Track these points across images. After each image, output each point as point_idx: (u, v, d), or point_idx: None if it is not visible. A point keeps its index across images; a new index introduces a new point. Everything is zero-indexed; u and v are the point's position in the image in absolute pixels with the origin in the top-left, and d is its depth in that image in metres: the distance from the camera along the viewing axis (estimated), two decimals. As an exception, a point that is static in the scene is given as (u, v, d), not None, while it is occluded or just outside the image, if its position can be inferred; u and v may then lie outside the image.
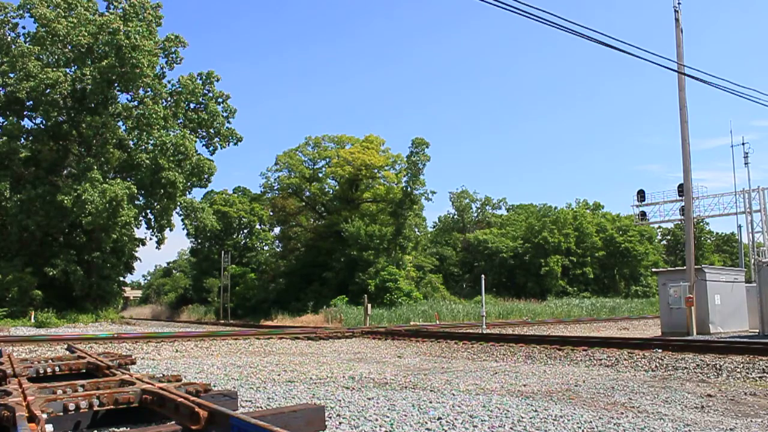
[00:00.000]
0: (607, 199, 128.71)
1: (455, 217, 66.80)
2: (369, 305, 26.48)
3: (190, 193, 40.88)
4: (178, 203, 39.39)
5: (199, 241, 63.16)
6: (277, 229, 57.65)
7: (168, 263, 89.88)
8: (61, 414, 3.86)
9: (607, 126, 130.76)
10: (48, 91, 33.72)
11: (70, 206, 32.02)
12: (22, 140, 36.45)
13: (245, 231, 63.01)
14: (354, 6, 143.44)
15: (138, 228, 38.71)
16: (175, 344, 13.11)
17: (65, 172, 37.91)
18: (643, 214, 33.38)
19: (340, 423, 4.42)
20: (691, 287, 16.85)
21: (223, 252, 53.27)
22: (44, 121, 36.77)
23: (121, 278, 41.88)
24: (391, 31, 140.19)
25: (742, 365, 7.85)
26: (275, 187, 50.19)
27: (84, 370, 6.34)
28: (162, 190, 36.92)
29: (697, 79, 16.10)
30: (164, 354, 11.76)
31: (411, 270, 43.93)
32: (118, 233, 35.14)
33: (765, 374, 7.27)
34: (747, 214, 30.56)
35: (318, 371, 8.31)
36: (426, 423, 4.43)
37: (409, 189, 44.06)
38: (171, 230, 40.36)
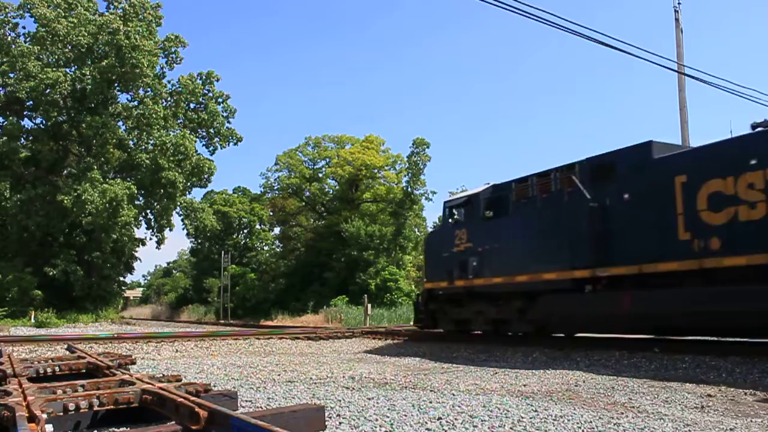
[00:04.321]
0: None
1: (455, 217, 66.75)
2: (369, 305, 26.46)
3: (190, 193, 40.99)
4: (178, 203, 39.42)
5: (199, 241, 63.13)
6: (277, 229, 57.69)
7: (168, 263, 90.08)
8: (61, 414, 3.86)
9: (607, 126, 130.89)
10: (48, 91, 33.75)
11: (70, 206, 32.04)
12: (22, 140, 36.50)
13: (245, 231, 63.00)
14: (354, 6, 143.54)
15: (138, 228, 38.81)
16: (175, 344, 13.09)
17: (65, 172, 37.94)
18: (643, 214, 33.33)
19: (340, 423, 4.42)
20: (691, 287, 16.79)
21: (223, 252, 53.26)
22: (44, 121, 36.81)
23: (121, 278, 41.94)
24: (392, 31, 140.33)
25: (742, 365, 7.85)
26: (275, 187, 50.23)
27: (84, 370, 6.33)
28: (162, 190, 36.96)
29: (697, 79, 16.12)
30: (164, 354, 11.75)
31: (411, 270, 43.94)
32: (118, 233, 35.16)
33: (765, 374, 7.27)
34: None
35: (318, 371, 8.30)
36: (426, 423, 4.43)
37: (409, 189, 44.07)
38: (171, 230, 40.47)
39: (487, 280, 12.19)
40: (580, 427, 4.33)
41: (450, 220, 13.85)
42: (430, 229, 63.30)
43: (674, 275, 8.92)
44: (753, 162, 8.05)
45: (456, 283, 13.01)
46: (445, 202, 14.79)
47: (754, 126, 8.91)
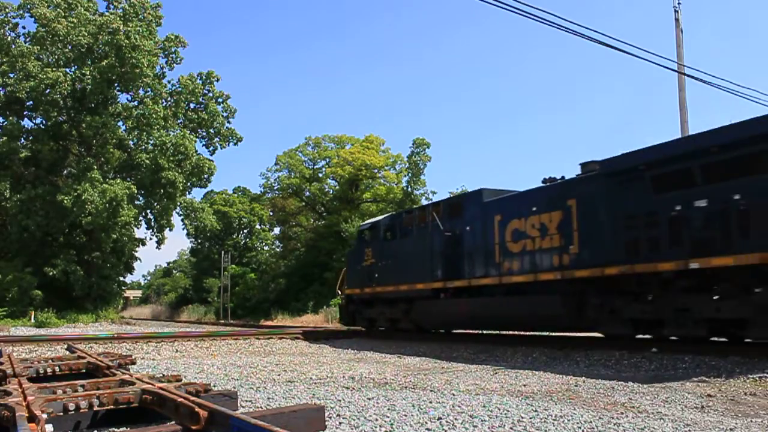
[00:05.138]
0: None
1: (455, 217, 66.68)
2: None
3: (190, 193, 40.91)
4: (178, 203, 39.38)
5: (199, 241, 63.12)
6: (277, 229, 57.68)
7: (168, 263, 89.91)
8: (61, 414, 3.86)
9: (607, 126, 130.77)
10: (48, 91, 33.70)
11: (70, 206, 31.99)
12: (22, 140, 36.44)
13: (245, 231, 62.99)
14: (354, 6, 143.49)
15: (138, 228, 38.74)
16: (175, 344, 13.10)
17: (65, 172, 37.92)
18: (643, 214, 33.32)
19: (340, 423, 4.42)
20: (691, 287, 16.87)
21: (223, 252, 53.26)
22: (44, 121, 36.76)
23: (121, 278, 41.86)
24: (392, 31, 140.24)
25: (742, 365, 7.85)
26: (275, 187, 50.19)
27: (84, 370, 6.34)
28: (162, 190, 36.91)
29: (697, 79, 16.13)
30: (164, 354, 11.76)
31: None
32: (118, 233, 35.12)
33: (765, 374, 7.26)
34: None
35: (318, 371, 8.31)
36: (426, 423, 4.43)
37: (409, 189, 44.02)
38: (171, 230, 40.37)
39: (383, 288, 15.37)
40: (580, 427, 4.33)
41: (362, 241, 17.10)
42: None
43: (491, 287, 12.06)
44: (534, 209, 11.02)
45: (365, 290, 16.19)
46: (359, 227, 18.87)
47: (544, 180, 11.44)
